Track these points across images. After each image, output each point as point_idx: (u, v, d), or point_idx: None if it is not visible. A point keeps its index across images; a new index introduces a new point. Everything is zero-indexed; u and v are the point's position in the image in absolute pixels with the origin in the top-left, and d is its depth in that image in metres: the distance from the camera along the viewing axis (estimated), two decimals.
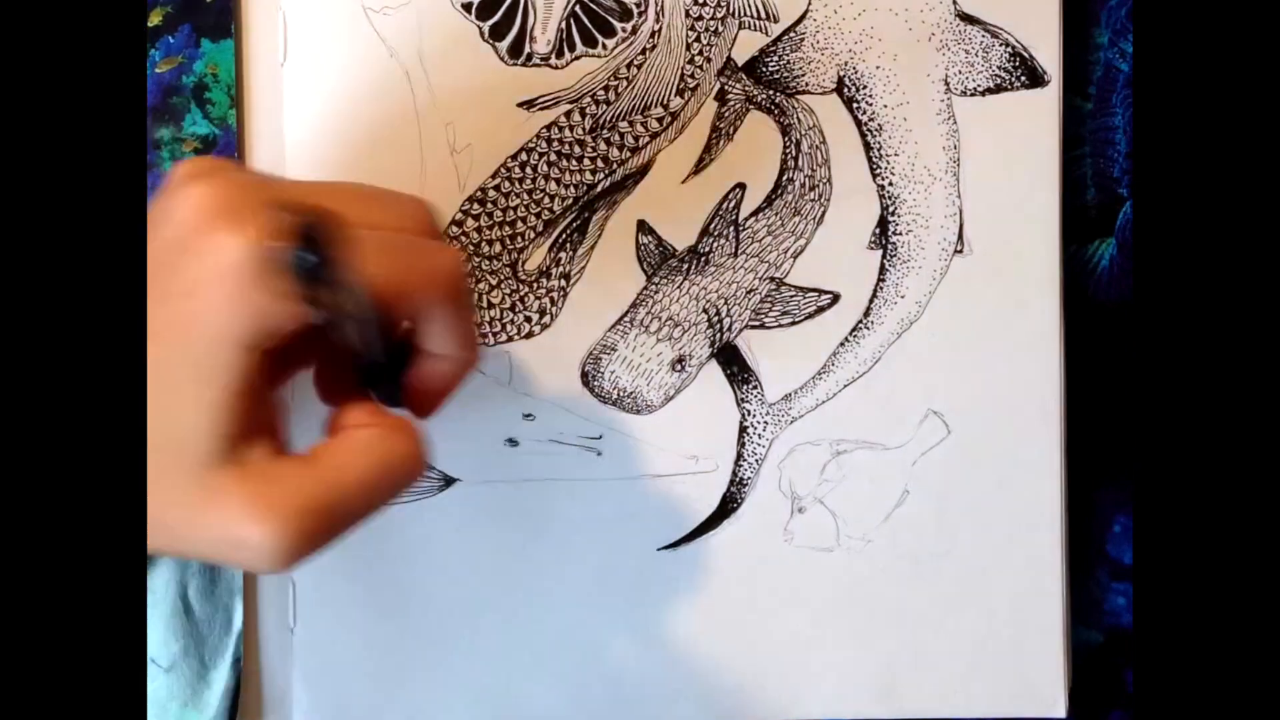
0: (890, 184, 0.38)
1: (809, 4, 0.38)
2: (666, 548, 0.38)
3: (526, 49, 0.37)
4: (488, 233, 0.38)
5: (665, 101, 0.38)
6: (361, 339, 0.28)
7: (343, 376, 0.30)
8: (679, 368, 0.38)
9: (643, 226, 0.38)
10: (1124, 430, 0.39)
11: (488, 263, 0.38)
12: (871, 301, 0.38)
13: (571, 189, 0.38)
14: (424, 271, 0.28)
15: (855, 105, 0.38)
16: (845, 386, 0.38)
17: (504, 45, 0.37)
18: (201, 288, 0.26)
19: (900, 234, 0.38)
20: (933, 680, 0.38)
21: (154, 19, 0.38)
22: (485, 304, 0.38)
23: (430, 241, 0.29)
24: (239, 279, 0.26)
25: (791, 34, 0.38)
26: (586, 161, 0.38)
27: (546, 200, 0.38)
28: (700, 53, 0.38)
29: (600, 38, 0.37)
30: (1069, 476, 0.38)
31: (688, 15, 0.38)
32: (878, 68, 0.38)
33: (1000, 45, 0.38)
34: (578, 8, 0.37)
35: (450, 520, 0.38)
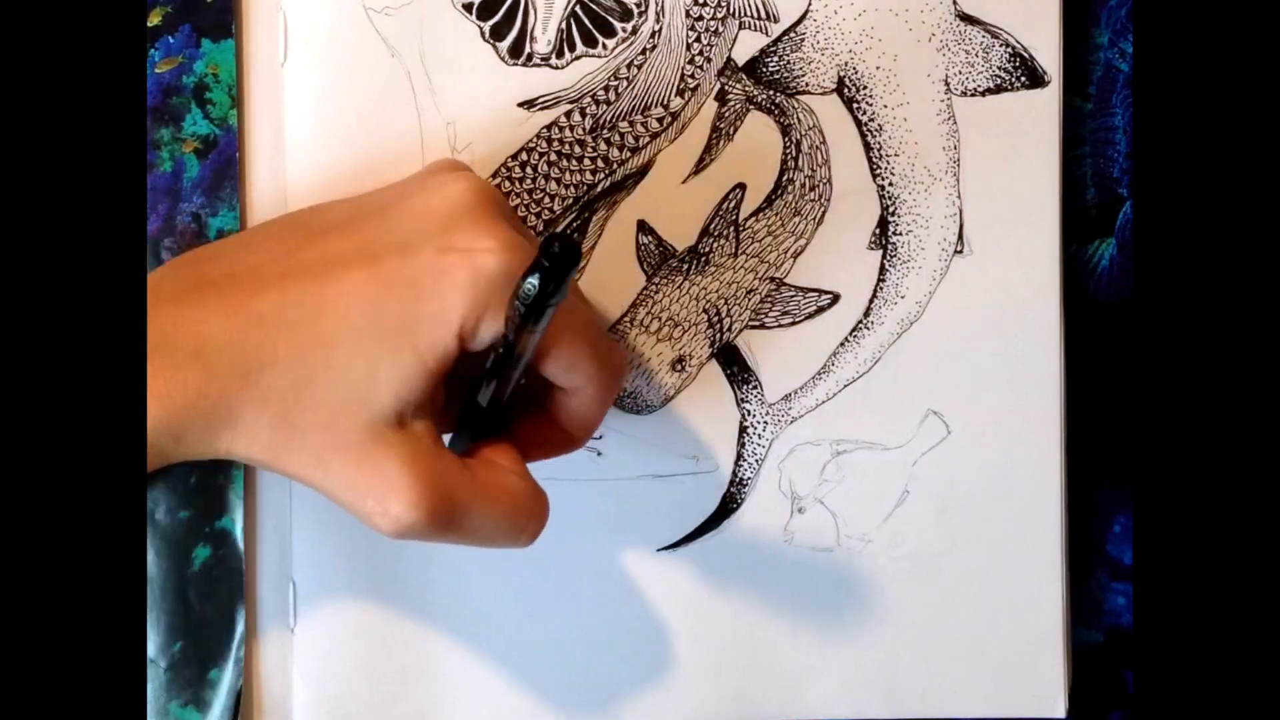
0: (890, 184, 0.38)
1: (809, 4, 0.38)
2: (666, 548, 0.38)
3: (527, 49, 0.37)
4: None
5: (665, 102, 0.38)
6: (504, 383, 0.30)
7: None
8: (679, 368, 0.38)
9: (643, 226, 0.38)
10: (1124, 430, 0.39)
11: None
12: (871, 302, 0.38)
13: (571, 189, 0.38)
14: (608, 359, 0.32)
15: (855, 105, 0.38)
16: (845, 387, 0.38)
17: (504, 45, 0.37)
18: (453, 273, 0.29)
19: (900, 234, 0.38)
20: (933, 680, 0.38)
21: (154, 19, 0.38)
22: None
23: (612, 337, 0.33)
24: (492, 283, 0.28)
25: (792, 34, 0.38)
26: (587, 161, 0.38)
27: (547, 200, 0.38)
28: (700, 53, 0.38)
29: (600, 38, 0.38)
30: (1069, 476, 0.39)
31: (688, 15, 0.38)
32: (878, 68, 0.38)
33: (1000, 46, 0.38)
34: (578, 8, 0.37)
35: None
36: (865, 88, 0.38)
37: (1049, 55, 0.38)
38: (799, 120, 0.38)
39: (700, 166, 0.38)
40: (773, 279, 0.38)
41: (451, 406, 0.32)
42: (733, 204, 0.38)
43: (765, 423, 0.38)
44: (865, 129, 0.38)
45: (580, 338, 0.31)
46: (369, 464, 0.29)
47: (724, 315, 0.38)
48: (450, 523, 0.30)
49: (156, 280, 0.31)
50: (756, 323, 0.38)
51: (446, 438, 0.32)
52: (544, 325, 0.28)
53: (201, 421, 0.29)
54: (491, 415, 0.32)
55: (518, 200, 0.38)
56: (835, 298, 0.38)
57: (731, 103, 0.38)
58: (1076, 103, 0.39)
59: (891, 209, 0.38)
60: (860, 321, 0.38)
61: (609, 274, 0.38)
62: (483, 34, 0.37)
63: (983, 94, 0.38)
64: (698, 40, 0.38)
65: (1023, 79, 0.38)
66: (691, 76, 0.38)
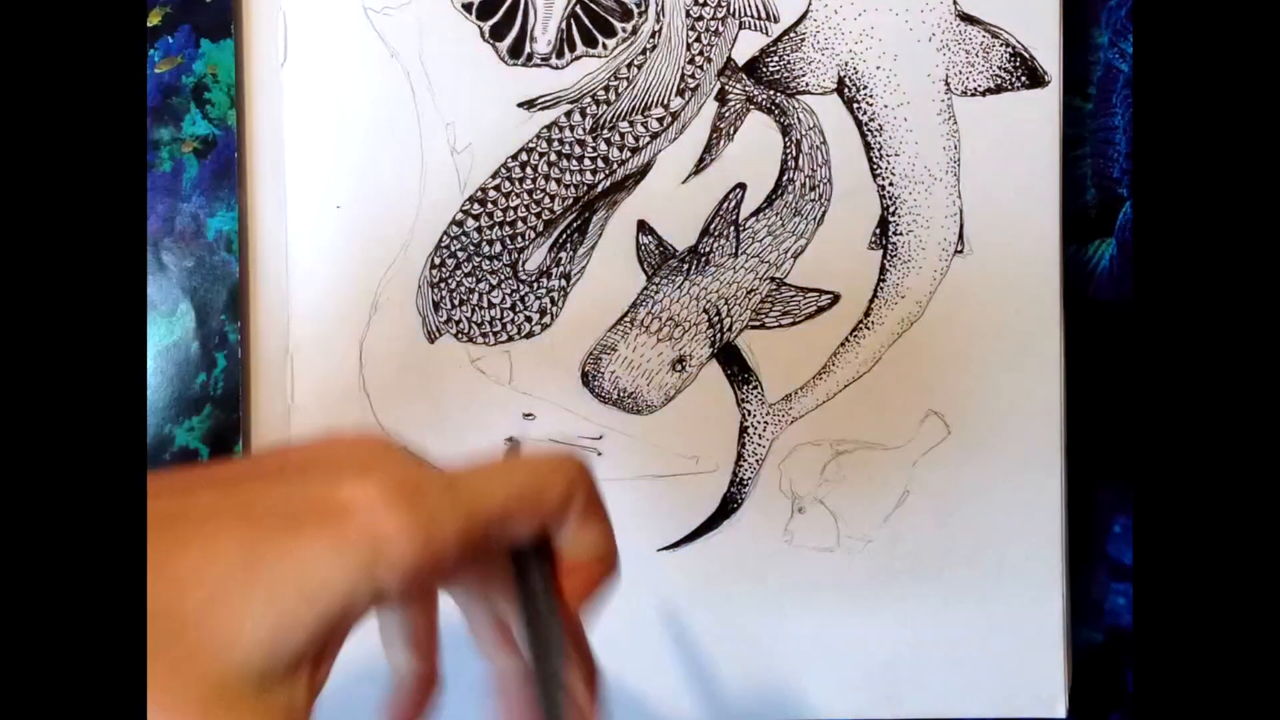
0: (890, 184, 0.38)
1: (809, 4, 0.38)
2: (666, 548, 0.38)
3: (527, 49, 0.37)
4: (488, 233, 0.38)
5: (665, 102, 0.38)
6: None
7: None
8: (679, 368, 0.38)
9: (643, 226, 0.38)
10: (1124, 430, 0.39)
11: (488, 263, 0.38)
12: (872, 302, 0.38)
13: (572, 189, 0.38)
14: (555, 465, 0.27)
15: (856, 105, 0.38)
16: (845, 387, 0.38)
17: (504, 45, 0.37)
18: (337, 578, 0.23)
19: (900, 234, 0.38)
20: (933, 680, 0.38)
21: (153, 19, 0.38)
22: (485, 304, 0.38)
23: (545, 458, 0.27)
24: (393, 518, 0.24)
25: (792, 34, 0.38)
26: (587, 161, 0.38)
27: (547, 200, 0.38)
28: (700, 53, 0.38)
29: (600, 38, 0.37)
30: (1069, 477, 0.38)
31: (688, 15, 0.38)
32: (878, 68, 0.38)
33: (1000, 45, 0.38)
34: (578, 8, 0.37)
35: None
36: (865, 87, 0.38)
37: (1049, 55, 0.38)
38: (799, 120, 0.38)
39: (700, 166, 0.38)
40: (773, 279, 0.38)
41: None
42: (733, 204, 0.38)
43: (765, 423, 0.38)
44: (865, 129, 0.38)
45: (503, 500, 0.26)
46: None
47: (724, 315, 0.38)
48: None
49: None
50: (757, 323, 0.38)
51: None
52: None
53: None
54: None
55: (518, 200, 0.38)
56: (835, 298, 0.38)
57: (731, 103, 0.38)
58: (1076, 103, 0.39)
59: (892, 209, 0.38)
60: (860, 321, 0.38)
61: (609, 274, 0.38)
62: (482, 34, 0.37)
63: (983, 94, 0.38)
64: (698, 40, 0.38)
65: (1023, 79, 0.38)
66: (691, 76, 0.38)
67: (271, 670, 0.23)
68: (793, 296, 0.38)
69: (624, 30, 0.38)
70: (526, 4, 0.37)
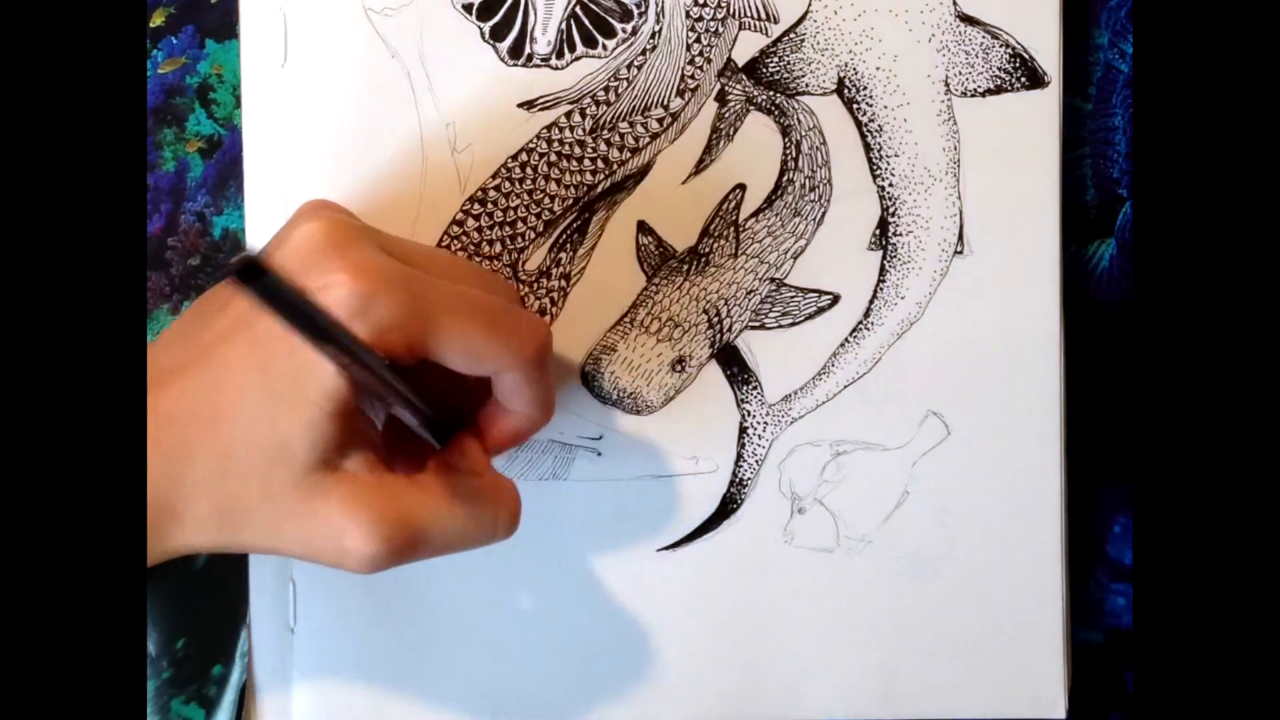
0: (890, 185, 0.38)
1: (809, 5, 0.38)
2: (666, 548, 0.38)
3: (527, 50, 0.37)
4: (488, 233, 0.38)
5: (665, 102, 0.38)
6: (390, 400, 0.30)
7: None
8: (679, 368, 0.38)
9: (643, 227, 0.38)
10: (1124, 430, 0.39)
11: (488, 263, 0.38)
12: (872, 302, 0.38)
13: (572, 189, 0.38)
14: (514, 334, 0.30)
15: (855, 106, 0.38)
16: (845, 387, 0.38)
17: (504, 46, 0.38)
18: None
19: (900, 235, 0.38)
20: (933, 680, 0.38)
21: (156, 19, 0.38)
22: None
23: (520, 309, 0.31)
24: (345, 311, 0.28)
25: (792, 35, 0.38)
26: (587, 162, 0.38)
27: (547, 200, 0.38)
28: (700, 53, 0.38)
29: (600, 38, 0.38)
30: (1069, 477, 0.38)
31: (688, 16, 0.38)
32: (878, 69, 0.38)
33: (1000, 46, 0.38)
34: (578, 8, 0.38)
35: None
36: (865, 88, 0.38)
37: (1049, 56, 0.38)
38: (799, 121, 0.38)
39: (700, 167, 0.38)
40: (773, 279, 0.38)
41: (406, 437, 0.32)
42: (733, 204, 0.38)
43: (765, 423, 0.38)
44: (865, 130, 0.38)
45: (468, 323, 0.29)
46: (314, 517, 0.29)
47: (724, 316, 0.38)
48: (413, 544, 0.30)
49: None
50: (756, 323, 0.38)
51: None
52: (339, 333, 0.26)
53: (151, 527, 0.30)
54: (429, 423, 0.32)
55: (518, 200, 0.38)
56: (835, 298, 0.38)
57: (731, 103, 0.38)
58: (1076, 103, 0.39)
59: (891, 210, 0.38)
60: (860, 322, 0.38)
61: (609, 274, 0.38)
62: (483, 34, 0.38)
63: (983, 94, 0.38)
64: (698, 41, 0.38)
65: (1023, 79, 0.38)
66: (691, 77, 0.38)
67: (327, 457, 0.29)
68: (792, 297, 0.38)
69: (624, 31, 0.38)
70: (527, 5, 0.37)
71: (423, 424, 0.31)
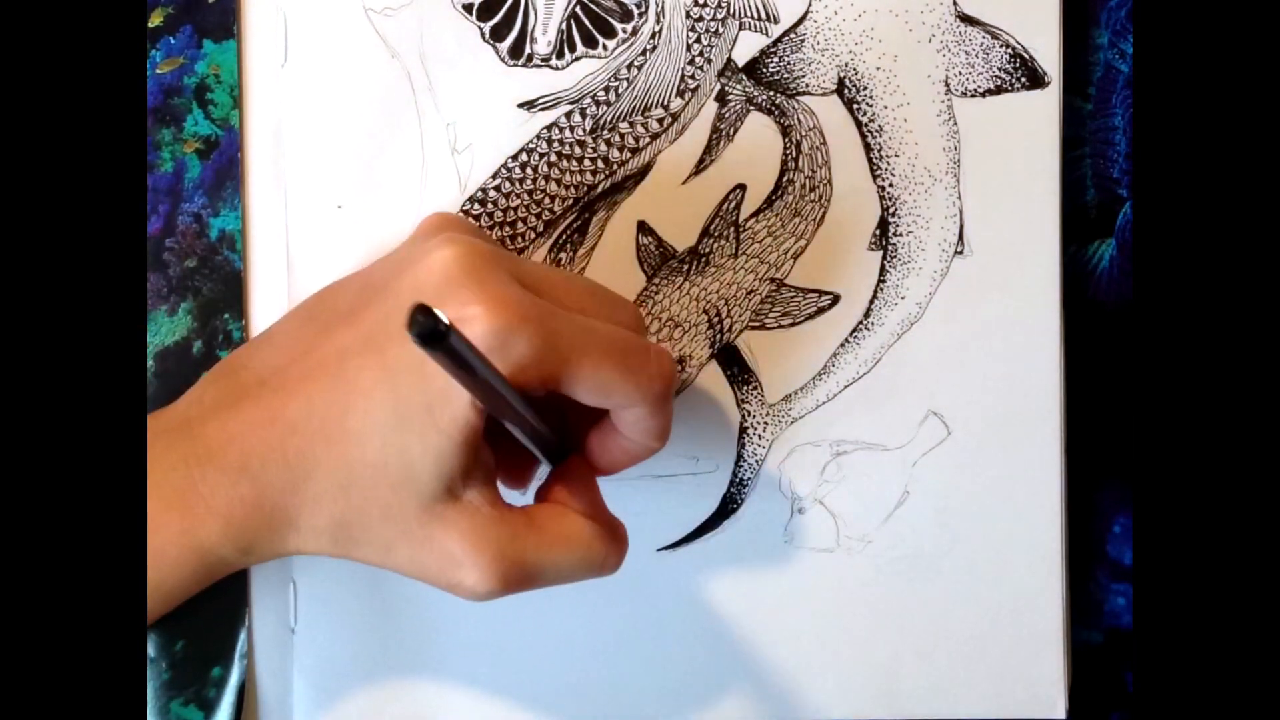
0: (890, 185, 0.38)
1: (809, 5, 0.38)
2: (666, 548, 0.38)
3: (527, 50, 0.37)
4: (488, 233, 0.38)
5: (666, 102, 0.38)
6: (519, 425, 0.30)
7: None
8: (679, 368, 0.38)
9: (643, 227, 0.38)
10: (1124, 430, 0.39)
11: None
12: (872, 302, 0.38)
13: (572, 189, 0.38)
14: (644, 371, 0.30)
15: (856, 106, 0.38)
16: (845, 387, 0.38)
17: (504, 46, 0.37)
18: None
19: (900, 235, 0.38)
20: (933, 680, 0.38)
21: (155, 19, 0.38)
22: None
23: (648, 343, 0.31)
24: (484, 346, 0.28)
25: (792, 35, 0.38)
26: (587, 162, 0.38)
27: (547, 201, 0.38)
28: (700, 54, 0.38)
29: (600, 39, 0.38)
30: (1069, 477, 0.39)
31: (688, 16, 0.38)
32: (878, 69, 0.38)
33: (1000, 46, 0.38)
34: (578, 9, 0.37)
35: None
36: (865, 89, 0.38)
37: (1049, 56, 0.38)
38: (799, 121, 0.38)
39: (700, 167, 0.38)
40: (773, 280, 0.38)
41: (510, 455, 0.33)
42: (733, 205, 0.38)
43: (765, 423, 0.38)
44: (865, 130, 0.38)
45: (601, 360, 0.29)
46: (431, 543, 0.30)
47: (724, 316, 0.38)
48: (525, 580, 0.30)
49: (199, 393, 0.33)
50: (756, 323, 0.38)
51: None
52: (485, 370, 0.26)
53: (265, 530, 0.30)
54: (547, 449, 0.32)
55: (518, 200, 0.38)
56: (835, 299, 0.38)
57: (732, 103, 0.38)
58: (1076, 103, 0.39)
59: (892, 210, 0.38)
60: (860, 322, 0.38)
61: (609, 275, 0.38)
62: (483, 35, 0.38)
63: (983, 95, 0.38)
64: (698, 41, 0.38)
65: (1023, 80, 0.38)
66: (692, 77, 0.38)
67: (451, 486, 0.29)
68: (793, 297, 0.38)
69: (624, 31, 0.38)
70: (527, 5, 0.37)
71: (539, 446, 0.32)
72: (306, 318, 0.33)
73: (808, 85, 0.38)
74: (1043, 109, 0.38)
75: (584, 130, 0.38)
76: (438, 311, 0.23)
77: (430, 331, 0.23)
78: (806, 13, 0.38)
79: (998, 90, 0.38)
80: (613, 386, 0.30)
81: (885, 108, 0.38)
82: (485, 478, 0.31)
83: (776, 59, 0.38)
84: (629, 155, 0.38)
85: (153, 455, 0.31)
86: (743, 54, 0.38)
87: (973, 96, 0.38)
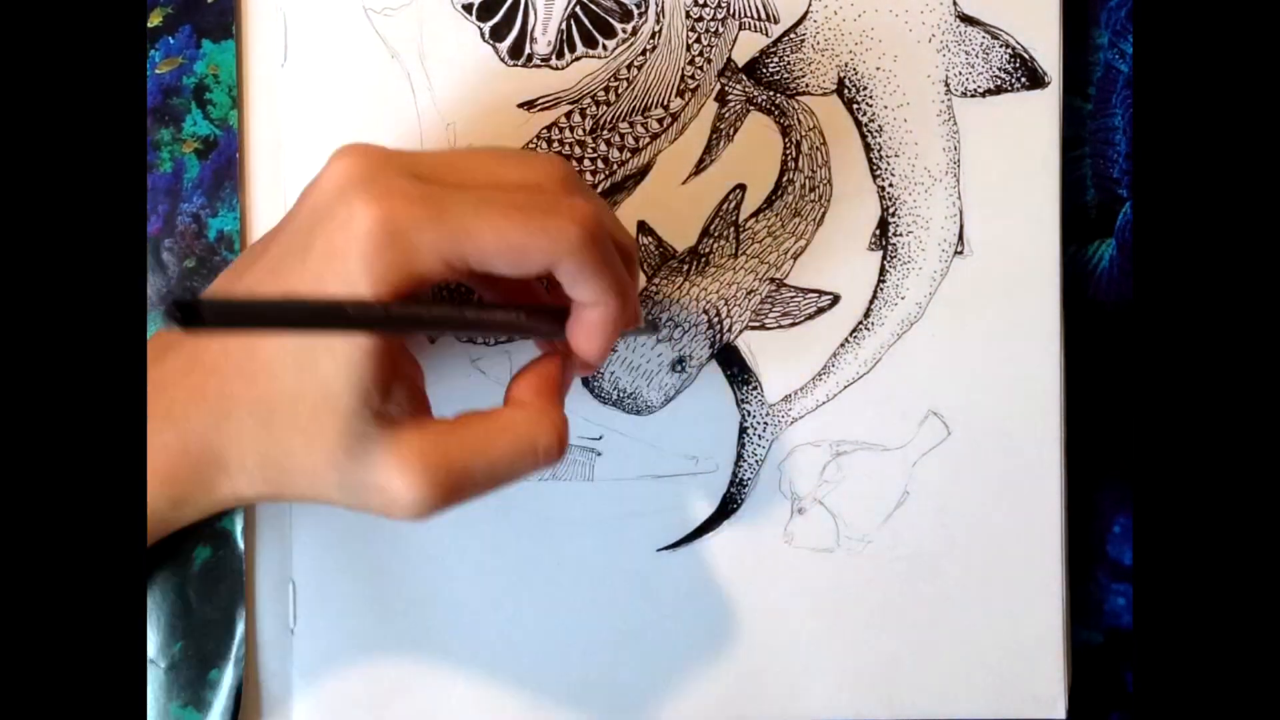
0: (890, 185, 0.38)
1: (809, 5, 0.38)
2: (666, 548, 0.38)
3: (527, 50, 0.37)
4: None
5: (665, 102, 0.38)
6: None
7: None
8: (679, 368, 0.38)
9: (643, 227, 0.38)
10: (1124, 430, 0.39)
11: None
12: (872, 303, 0.38)
13: None
14: (550, 220, 0.29)
15: (855, 106, 0.38)
16: (845, 388, 0.38)
17: (504, 46, 0.37)
18: (339, 250, 0.28)
19: (900, 235, 0.38)
20: (933, 680, 0.38)
21: (154, 19, 0.38)
22: None
23: (561, 195, 0.30)
24: (372, 242, 0.27)
25: (792, 35, 0.38)
26: (587, 162, 0.38)
27: None
28: (700, 54, 0.38)
29: (600, 39, 0.38)
30: (1069, 476, 0.39)
31: (688, 16, 0.38)
32: (878, 69, 0.38)
33: (1000, 46, 0.38)
34: (578, 9, 0.37)
35: (450, 520, 0.38)
36: (865, 89, 0.38)
37: (1049, 56, 0.38)
38: (799, 121, 0.38)
39: (700, 167, 0.38)
40: (773, 280, 0.38)
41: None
42: (733, 205, 0.38)
43: (765, 423, 0.38)
44: (865, 130, 0.38)
45: (501, 221, 0.28)
46: (360, 464, 0.29)
47: (724, 316, 0.38)
48: (462, 485, 0.29)
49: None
50: (756, 323, 0.38)
51: None
52: (353, 310, 0.26)
53: (194, 476, 0.30)
54: (531, 324, 0.31)
55: None
56: (835, 298, 0.38)
57: (731, 103, 0.38)
58: (1076, 103, 0.39)
59: (891, 210, 0.38)
60: (860, 322, 0.38)
61: None
62: (483, 35, 0.38)
63: (983, 95, 0.38)
64: (698, 41, 0.38)
65: (1023, 79, 0.38)
66: (691, 77, 0.38)
67: (368, 401, 0.28)
68: (793, 297, 0.38)
69: (624, 31, 0.38)
70: (527, 5, 0.37)
71: (528, 327, 0.31)
72: (233, 267, 0.33)
73: (807, 85, 0.38)
74: (1043, 109, 0.38)
75: (584, 130, 0.38)
76: (182, 296, 0.23)
77: (187, 316, 0.22)
78: (806, 13, 0.38)
79: (998, 90, 0.38)
80: (518, 244, 0.28)
81: (885, 108, 0.38)
82: (409, 390, 0.30)
83: (776, 59, 0.38)
84: (629, 155, 0.38)
85: None
86: (743, 54, 0.38)
87: (973, 96, 0.38)
